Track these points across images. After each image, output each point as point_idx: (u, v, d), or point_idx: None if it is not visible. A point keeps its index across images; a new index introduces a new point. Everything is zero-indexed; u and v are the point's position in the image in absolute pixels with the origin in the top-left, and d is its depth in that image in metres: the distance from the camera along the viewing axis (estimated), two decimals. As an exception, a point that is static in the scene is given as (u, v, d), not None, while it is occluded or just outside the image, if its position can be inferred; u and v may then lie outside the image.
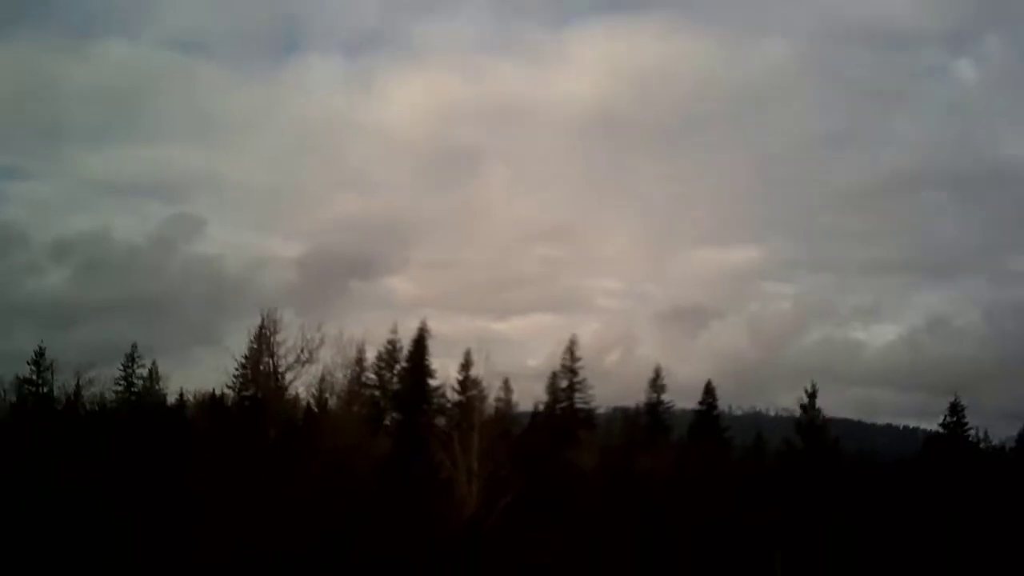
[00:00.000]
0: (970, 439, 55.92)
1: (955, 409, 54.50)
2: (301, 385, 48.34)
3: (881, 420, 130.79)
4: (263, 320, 47.51)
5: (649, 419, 67.88)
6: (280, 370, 47.03)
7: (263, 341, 46.61)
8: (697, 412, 66.12)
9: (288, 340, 47.51)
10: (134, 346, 58.75)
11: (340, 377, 49.67)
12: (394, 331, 60.14)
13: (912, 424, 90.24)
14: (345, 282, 52.04)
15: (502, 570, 31.14)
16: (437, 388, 64.37)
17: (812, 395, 43.23)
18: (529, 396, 69.37)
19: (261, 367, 47.91)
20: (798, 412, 49.73)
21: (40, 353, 55.19)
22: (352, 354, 51.57)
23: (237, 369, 58.42)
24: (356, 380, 61.93)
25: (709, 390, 65.40)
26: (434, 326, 60.86)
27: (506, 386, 64.35)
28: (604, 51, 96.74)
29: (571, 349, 68.06)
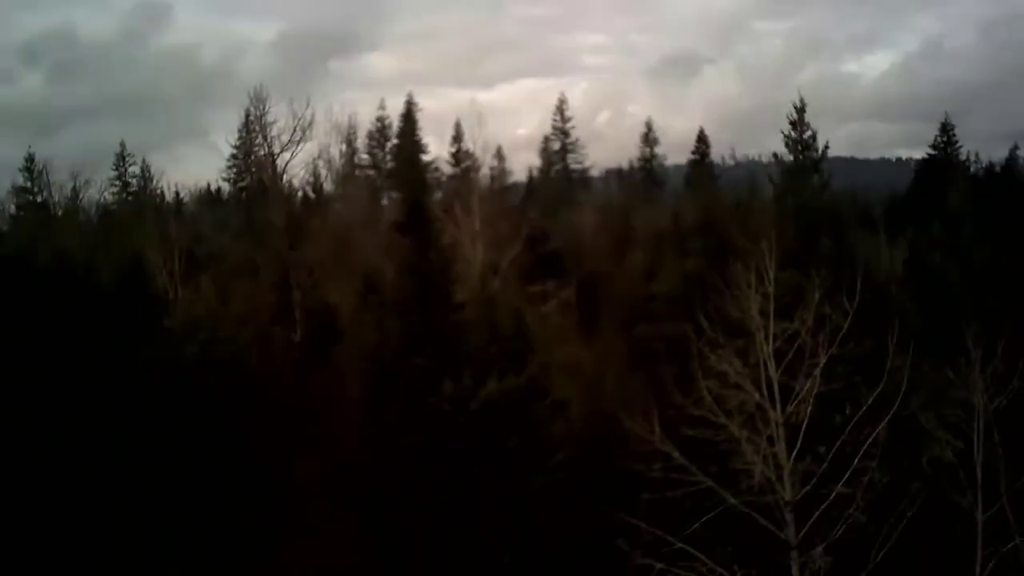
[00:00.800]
0: (961, 160, 56.21)
1: (945, 129, 54.38)
2: (299, 165, 48.04)
3: (875, 155, 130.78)
4: (251, 101, 46.67)
5: (643, 175, 68.28)
6: (275, 152, 46.71)
7: (254, 124, 46.03)
8: (690, 163, 66.36)
9: (279, 120, 46.84)
10: (123, 145, 58.26)
11: (335, 154, 49.28)
12: (382, 107, 59.44)
13: (906, 155, 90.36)
14: (325, 63, 50.73)
15: (508, 320, 32.24)
16: (431, 163, 64.39)
17: (795, 123, 40.85)
18: (523, 165, 69.48)
19: (255, 151, 47.61)
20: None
21: (30, 159, 54.88)
22: (345, 128, 50.80)
23: (230, 159, 58.39)
24: (349, 161, 61.88)
25: (702, 138, 65.49)
26: (421, 102, 60.03)
27: (499, 154, 64.27)
28: None
29: (560, 110, 67.63)
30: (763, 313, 20.32)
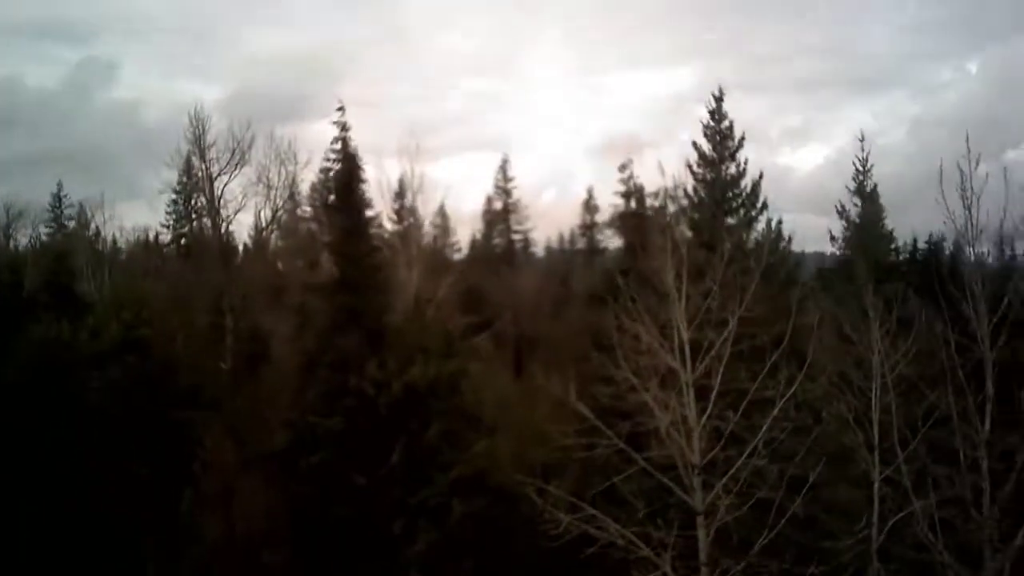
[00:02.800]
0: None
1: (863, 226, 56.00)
2: (237, 189, 47.74)
3: (809, 248, 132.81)
4: (191, 119, 46.48)
5: (585, 241, 69.26)
6: (212, 172, 46.58)
7: (192, 147, 45.98)
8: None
9: (217, 142, 46.53)
10: (59, 185, 57.70)
11: (275, 178, 49.19)
12: (326, 159, 59.73)
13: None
14: (270, 127, 50.97)
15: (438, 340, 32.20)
16: (372, 217, 64.51)
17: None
18: (466, 236, 69.85)
19: (193, 177, 47.58)
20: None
21: None
22: (285, 150, 50.09)
23: (169, 204, 58.17)
24: (292, 214, 62.00)
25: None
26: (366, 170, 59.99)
27: (442, 212, 64.81)
28: None
29: (503, 170, 68.67)
30: (677, 276, 20.93)
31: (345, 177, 28.18)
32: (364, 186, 29.18)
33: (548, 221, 77.02)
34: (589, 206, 68.54)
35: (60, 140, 74.06)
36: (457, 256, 70.77)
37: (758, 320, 21.21)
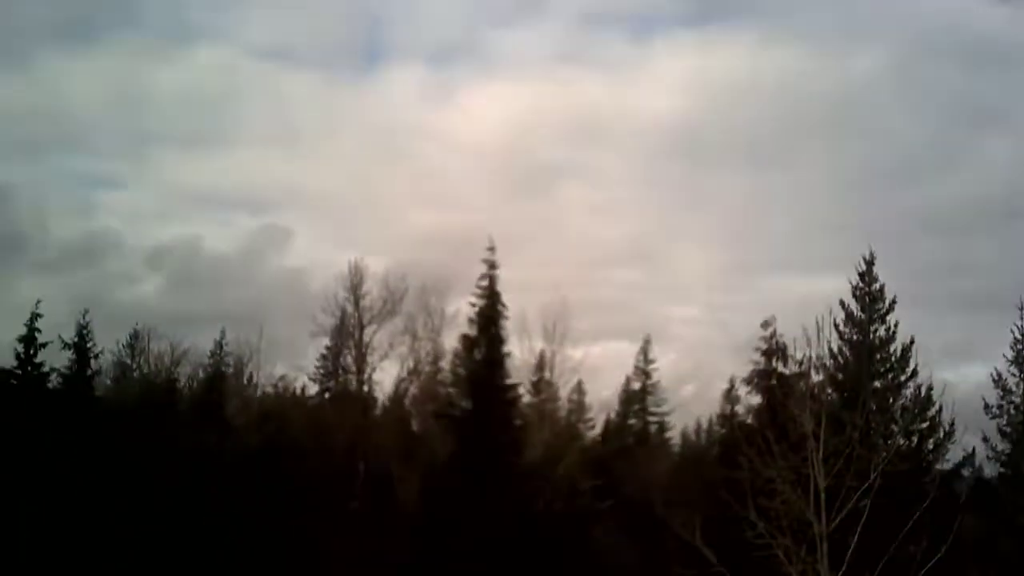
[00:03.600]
0: None
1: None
2: (385, 339, 49.58)
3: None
4: (350, 268, 49.03)
5: (724, 429, 67.91)
6: (364, 322, 48.67)
7: (347, 296, 48.40)
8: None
9: (372, 291, 48.86)
10: (223, 332, 60.34)
11: (421, 329, 50.79)
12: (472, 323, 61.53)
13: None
14: (425, 300, 53.18)
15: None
16: (511, 387, 65.32)
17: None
18: (603, 417, 69.31)
19: (345, 323, 49.65)
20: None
21: (134, 335, 56.96)
22: (433, 303, 51.75)
23: (319, 360, 60.58)
24: (432, 377, 63.41)
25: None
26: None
27: (579, 389, 65.06)
28: (690, 64, 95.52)
29: (644, 352, 68.73)
30: (816, 422, 20.40)
31: (488, 311, 29.02)
32: (504, 322, 29.73)
33: (687, 413, 75.76)
34: (730, 396, 67.63)
35: (229, 299, 78.87)
36: (591, 433, 70.57)
37: (901, 478, 20.33)
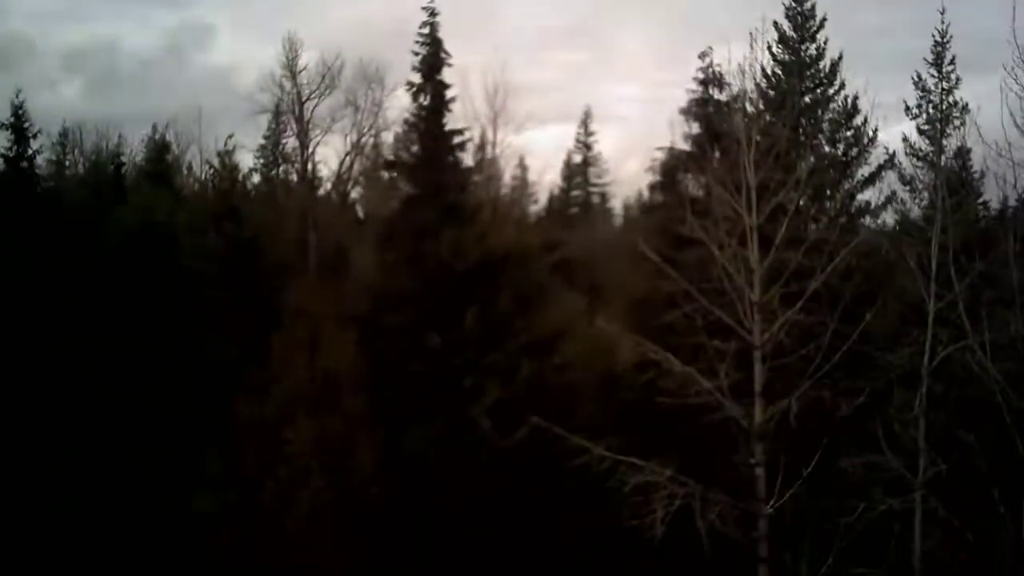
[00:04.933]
0: None
1: None
2: (326, 110, 49.62)
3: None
4: (284, 46, 48.37)
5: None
6: (303, 99, 48.60)
7: (283, 72, 47.95)
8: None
9: (309, 65, 48.45)
10: (154, 127, 58.81)
11: (363, 103, 50.96)
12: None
13: None
14: (364, 70, 52.15)
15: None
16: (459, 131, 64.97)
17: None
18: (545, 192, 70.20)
19: (284, 93, 49.27)
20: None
21: (64, 132, 54.89)
22: (372, 73, 51.29)
23: (258, 150, 60.09)
24: (374, 161, 63.49)
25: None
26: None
27: (522, 164, 65.79)
28: None
29: (585, 124, 69.48)
30: (746, 122, 21.80)
31: (431, 59, 29.27)
32: (447, 69, 29.79)
33: (631, 187, 77.29)
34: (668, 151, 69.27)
35: (156, 101, 76.25)
36: (534, 208, 72.06)
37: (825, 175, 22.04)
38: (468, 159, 31.40)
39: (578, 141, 69.93)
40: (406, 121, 30.59)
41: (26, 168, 33.64)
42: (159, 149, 36.61)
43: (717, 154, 25.65)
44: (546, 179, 75.18)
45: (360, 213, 59.73)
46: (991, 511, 18.47)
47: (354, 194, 59.84)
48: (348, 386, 26.28)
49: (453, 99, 30.00)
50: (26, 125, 33.64)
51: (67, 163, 55.91)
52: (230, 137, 35.82)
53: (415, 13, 29.50)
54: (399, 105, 44.95)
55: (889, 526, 20.25)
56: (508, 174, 65.21)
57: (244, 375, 26.14)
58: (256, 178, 63.37)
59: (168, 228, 31.03)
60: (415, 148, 30.17)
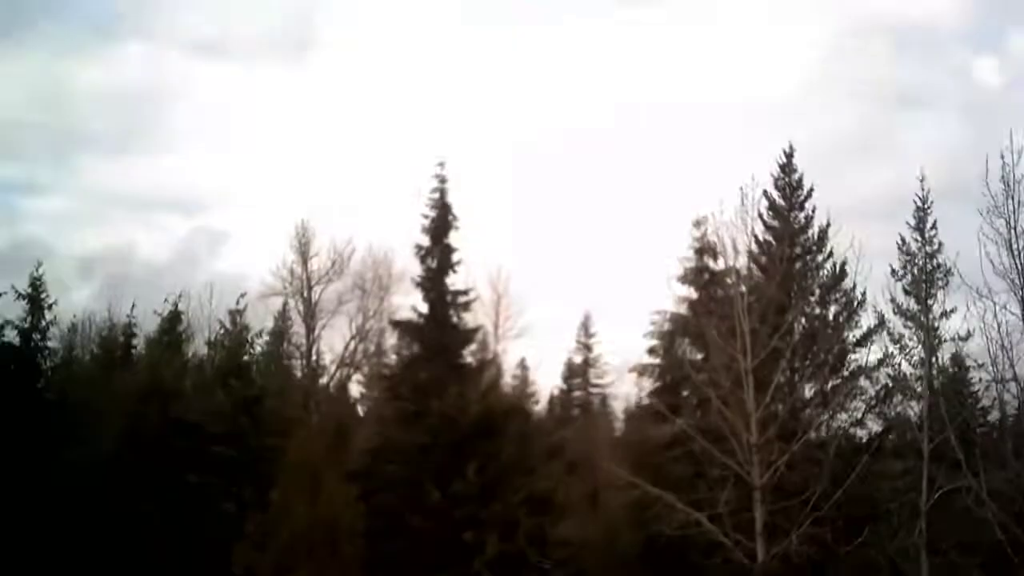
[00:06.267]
0: None
1: None
2: (332, 295, 50.73)
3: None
4: (297, 231, 49.96)
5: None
6: (312, 282, 49.87)
7: (295, 258, 49.42)
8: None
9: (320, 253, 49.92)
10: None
11: (372, 290, 52.06)
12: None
13: None
14: (373, 255, 53.85)
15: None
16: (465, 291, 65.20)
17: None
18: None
19: (294, 278, 50.48)
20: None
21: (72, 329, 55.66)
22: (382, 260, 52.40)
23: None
24: (378, 348, 64.01)
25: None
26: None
27: (522, 365, 66.08)
28: None
29: (584, 325, 70.61)
30: (739, 276, 23.13)
31: (440, 221, 30.60)
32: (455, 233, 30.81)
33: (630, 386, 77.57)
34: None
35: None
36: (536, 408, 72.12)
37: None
38: (471, 320, 31.98)
39: (578, 343, 71.13)
40: (412, 279, 31.37)
41: (38, 339, 33.34)
42: (171, 319, 37.41)
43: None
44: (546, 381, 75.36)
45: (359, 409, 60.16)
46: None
47: (355, 379, 60.09)
48: (347, 537, 26.17)
49: (459, 261, 30.92)
50: (43, 295, 33.66)
51: (75, 349, 57.01)
52: (242, 296, 36.79)
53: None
54: (404, 289, 46.61)
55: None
56: (509, 375, 66.18)
57: (244, 524, 26.13)
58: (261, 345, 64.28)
59: (176, 388, 31.65)
60: (422, 308, 31.08)
